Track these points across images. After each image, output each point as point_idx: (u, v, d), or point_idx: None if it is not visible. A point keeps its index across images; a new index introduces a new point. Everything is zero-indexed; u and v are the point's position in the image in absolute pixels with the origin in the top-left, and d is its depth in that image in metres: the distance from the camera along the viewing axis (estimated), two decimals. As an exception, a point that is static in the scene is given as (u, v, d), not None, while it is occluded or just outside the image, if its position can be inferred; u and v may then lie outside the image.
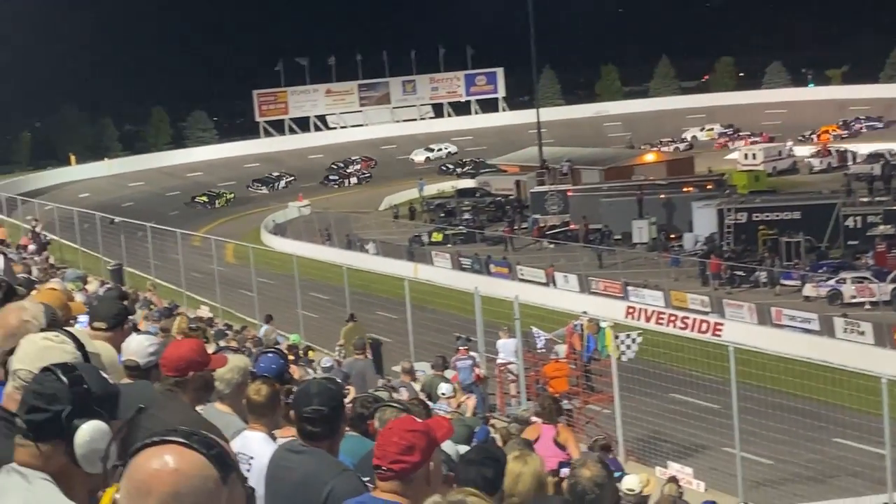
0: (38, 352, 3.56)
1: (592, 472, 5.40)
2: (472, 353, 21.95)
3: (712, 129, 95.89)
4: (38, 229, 34.37)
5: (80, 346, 3.63)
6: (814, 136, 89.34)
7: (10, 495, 2.97)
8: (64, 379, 3.03)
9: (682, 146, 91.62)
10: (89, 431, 2.98)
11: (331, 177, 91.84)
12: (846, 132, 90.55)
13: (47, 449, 3.01)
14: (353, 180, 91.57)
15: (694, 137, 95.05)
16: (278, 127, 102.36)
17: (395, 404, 6.88)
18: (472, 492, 2.79)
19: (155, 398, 4.53)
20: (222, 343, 12.18)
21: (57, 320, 4.28)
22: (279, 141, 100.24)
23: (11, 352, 3.66)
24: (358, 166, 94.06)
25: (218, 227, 71.73)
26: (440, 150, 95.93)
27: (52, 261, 28.05)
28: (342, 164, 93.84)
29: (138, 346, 5.84)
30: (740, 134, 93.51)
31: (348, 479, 4.86)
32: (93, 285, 18.17)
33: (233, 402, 6.21)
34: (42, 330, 3.77)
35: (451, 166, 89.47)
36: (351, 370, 17.19)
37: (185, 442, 2.44)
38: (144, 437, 2.49)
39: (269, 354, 7.77)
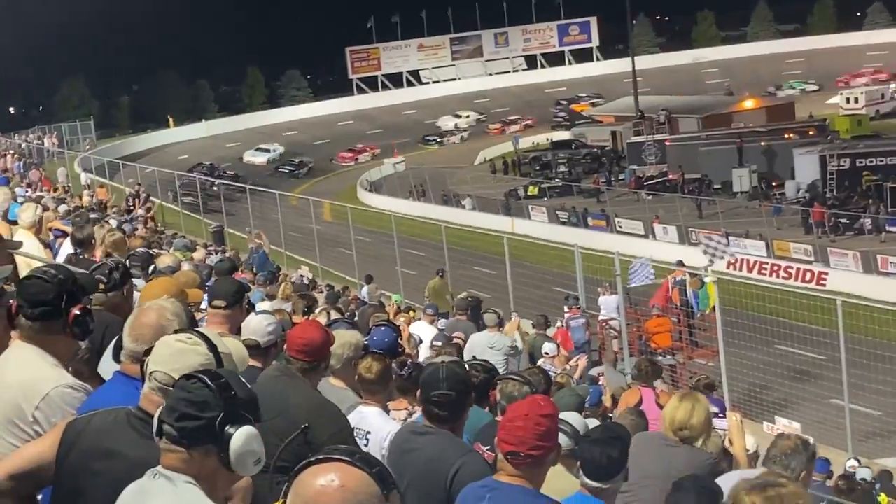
0: (173, 354, 3.65)
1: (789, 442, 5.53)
2: (584, 312, 21.94)
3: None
4: (141, 192, 34.96)
5: (212, 346, 3.71)
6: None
7: (158, 498, 3.10)
8: (212, 386, 3.16)
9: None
10: (243, 437, 3.12)
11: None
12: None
13: (198, 454, 3.15)
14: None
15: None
16: (371, 84, 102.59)
17: (516, 377, 6.90)
18: (785, 477, 2.88)
19: (278, 386, 4.62)
20: (334, 314, 12.28)
21: (192, 319, 4.37)
22: (372, 98, 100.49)
23: (148, 352, 3.76)
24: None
25: (314, 185, 72.43)
26: (274, 150, 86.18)
27: (157, 226, 28.54)
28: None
29: (258, 326, 5.98)
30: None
31: (475, 461, 4.91)
32: (199, 253, 18.45)
33: (345, 376, 6.31)
34: (175, 331, 3.86)
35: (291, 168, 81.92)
36: (453, 332, 17.20)
37: (348, 460, 2.56)
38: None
39: (382, 328, 7.84)
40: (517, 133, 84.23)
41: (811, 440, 6.16)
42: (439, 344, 12.14)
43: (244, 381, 3.27)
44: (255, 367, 5.56)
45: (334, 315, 12.63)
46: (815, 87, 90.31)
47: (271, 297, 14.55)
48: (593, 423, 6.46)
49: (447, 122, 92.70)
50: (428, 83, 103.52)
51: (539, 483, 4.28)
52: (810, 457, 5.75)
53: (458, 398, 5.23)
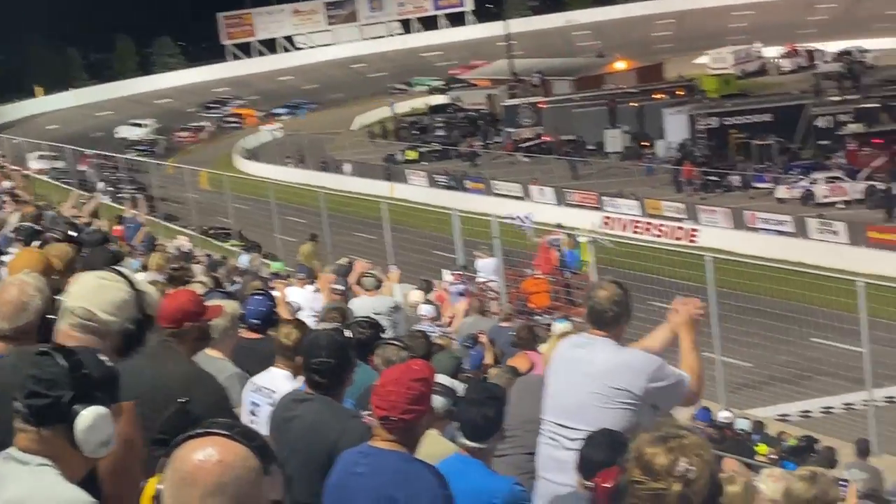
0: (95, 289, 3.62)
1: (609, 291, 5.51)
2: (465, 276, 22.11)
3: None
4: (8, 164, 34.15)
5: (131, 284, 3.70)
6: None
7: (10, 484, 2.96)
8: (63, 363, 3.02)
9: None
10: (90, 417, 2.99)
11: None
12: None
13: (48, 434, 3.01)
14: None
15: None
16: (245, 50, 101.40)
17: (395, 342, 7.02)
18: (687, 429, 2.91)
19: (153, 358, 4.63)
20: (204, 280, 12.21)
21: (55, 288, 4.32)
22: (247, 64, 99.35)
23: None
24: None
25: (190, 155, 71.46)
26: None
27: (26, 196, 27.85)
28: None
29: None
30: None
31: (355, 427, 4.99)
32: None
33: (223, 346, 6.37)
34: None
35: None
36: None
37: (227, 434, 2.50)
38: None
39: (258, 297, 7.83)
40: (392, 99, 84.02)
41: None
42: (320, 310, 12.16)
43: (104, 359, 3.14)
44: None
45: (224, 287, 12.59)
46: (441, 83, 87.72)
47: (146, 269, 14.41)
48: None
49: (130, 132, 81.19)
50: (303, 49, 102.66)
51: (414, 447, 4.35)
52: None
53: (337, 365, 5.29)
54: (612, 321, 5.49)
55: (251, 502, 2.47)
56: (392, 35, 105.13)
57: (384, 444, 4.34)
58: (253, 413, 6.33)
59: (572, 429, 5.31)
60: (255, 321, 7.51)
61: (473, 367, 10.95)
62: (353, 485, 4.35)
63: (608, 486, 2.62)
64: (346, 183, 54.25)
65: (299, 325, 6.61)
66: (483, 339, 12.39)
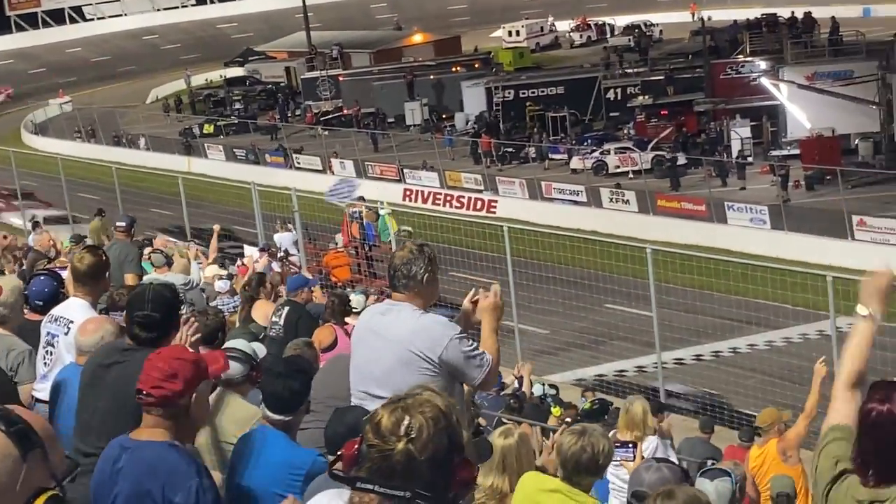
0: None
1: (405, 251, 5.51)
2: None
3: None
4: None
5: None
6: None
7: None
8: None
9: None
10: None
11: None
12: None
13: None
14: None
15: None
16: (31, 21, 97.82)
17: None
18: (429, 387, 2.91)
19: None
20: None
21: None
22: (34, 35, 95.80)
23: None
24: None
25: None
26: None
27: None
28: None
29: None
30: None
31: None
32: None
33: (12, 325, 6.34)
34: None
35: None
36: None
37: None
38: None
39: (41, 277, 7.52)
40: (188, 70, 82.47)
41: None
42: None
43: None
44: None
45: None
46: None
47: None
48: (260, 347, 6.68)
49: None
50: (93, 20, 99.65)
51: (178, 433, 4.29)
52: None
53: (162, 319, 5.29)
54: (409, 281, 5.48)
55: (6, 491, 2.34)
56: (185, 6, 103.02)
57: (145, 434, 4.28)
58: (49, 344, 6.28)
59: (380, 397, 5.29)
60: (38, 302, 7.14)
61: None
62: (112, 482, 4.29)
63: (350, 453, 2.75)
64: (142, 158, 53.30)
65: (92, 249, 6.53)
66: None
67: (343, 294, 13.54)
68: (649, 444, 9.22)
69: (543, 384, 18.11)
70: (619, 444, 5.48)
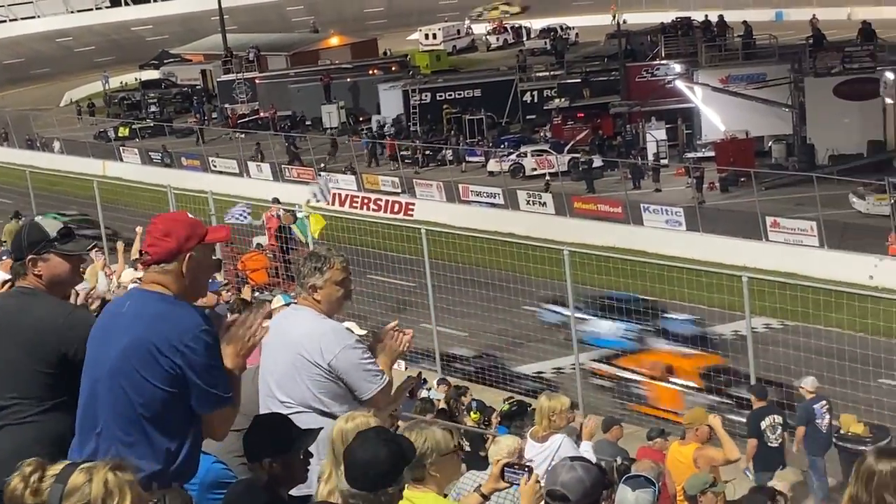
0: None
1: (300, 253, 5.43)
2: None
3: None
4: None
5: None
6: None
7: None
8: None
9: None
10: None
11: None
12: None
13: None
14: None
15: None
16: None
17: None
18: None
19: None
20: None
21: None
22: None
23: None
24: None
25: None
26: None
27: None
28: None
29: None
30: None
31: (82, 312, 4.96)
32: None
33: None
34: None
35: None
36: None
37: None
38: None
39: None
40: (105, 73, 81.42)
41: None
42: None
43: None
44: None
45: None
46: None
47: None
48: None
49: None
50: (5, 21, 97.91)
51: (178, 289, 4.35)
52: None
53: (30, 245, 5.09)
54: (307, 281, 5.51)
55: None
56: (99, 8, 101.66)
57: (148, 286, 4.37)
58: None
59: (283, 402, 5.39)
60: None
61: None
62: (114, 324, 4.33)
63: None
64: (56, 161, 52.59)
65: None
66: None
67: (243, 299, 13.52)
68: (555, 442, 9.28)
69: (429, 389, 18.09)
70: (508, 465, 5.41)
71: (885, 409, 17.45)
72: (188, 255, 4.34)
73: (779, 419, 15.25)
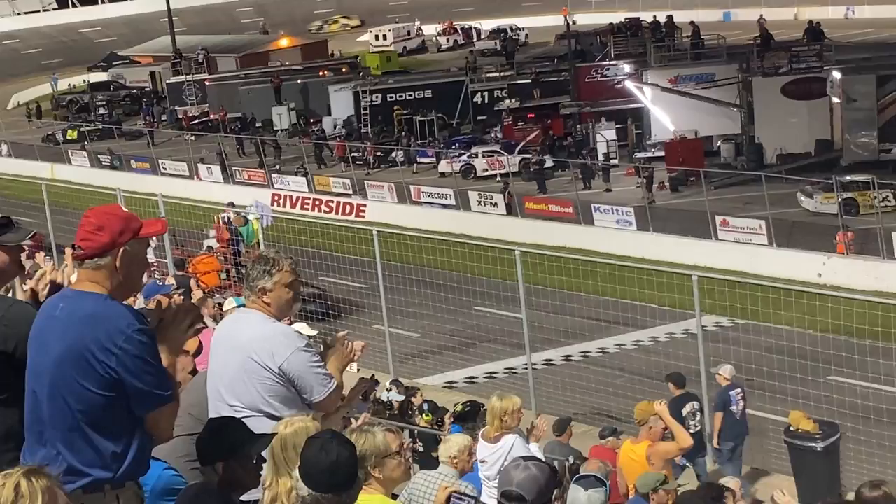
0: None
1: (255, 255, 5.46)
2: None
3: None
4: None
5: None
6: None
7: None
8: None
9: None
10: None
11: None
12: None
13: None
14: None
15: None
16: None
17: None
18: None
19: None
20: None
21: None
22: None
23: None
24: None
25: None
26: None
27: None
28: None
29: None
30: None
31: (20, 307, 4.87)
32: None
33: None
34: None
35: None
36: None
37: None
38: None
39: None
40: (54, 74, 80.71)
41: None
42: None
43: None
44: None
45: None
46: None
47: None
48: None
49: None
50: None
51: (108, 284, 4.26)
52: None
53: None
54: (256, 284, 5.48)
55: None
56: (47, 10, 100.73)
57: (82, 286, 4.30)
58: None
59: (232, 405, 5.38)
60: None
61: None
62: (49, 329, 4.25)
63: None
64: (3, 164, 52.11)
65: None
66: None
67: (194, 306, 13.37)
68: (507, 442, 9.32)
69: (389, 390, 18.09)
70: (455, 494, 5.41)
71: (835, 405, 17.67)
72: (122, 249, 4.26)
73: (697, 405, 15.85)
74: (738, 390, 16.31)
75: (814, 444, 15.25)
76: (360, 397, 12.99)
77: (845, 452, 15.88)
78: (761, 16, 62.85)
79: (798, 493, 14.65)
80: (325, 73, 63.99)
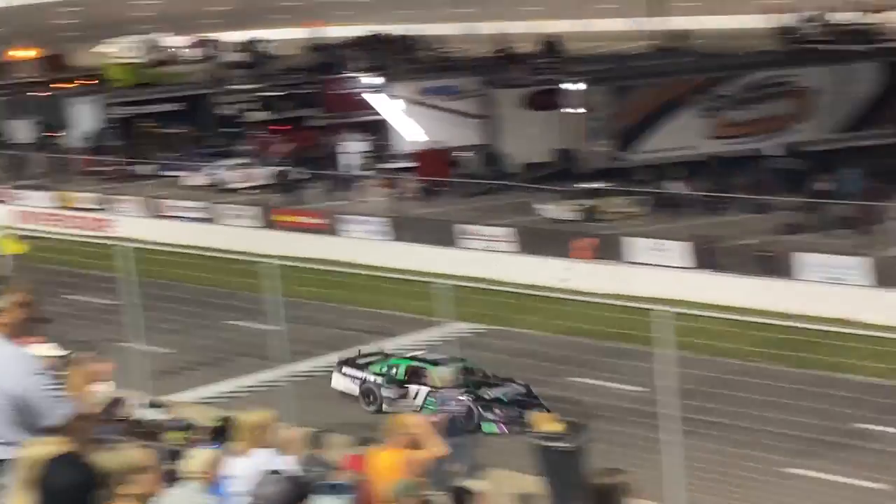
0: None
1: None
2: None
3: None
4: None
5: None
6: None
7: None
8: None
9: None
10: None
11: None
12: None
13: None
14: None
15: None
16: None
17: None
18: None
19: None
20: None
21: None
22: None
23: None
24: None
25: None
26: None
27: None
28: None
29: None
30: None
31: None
32: None
33: None
34: None
35: None
36: None
37: None
38: None
39: None
40: None
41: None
42: None
43: None
44: None
45: None
46: None
47: None
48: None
49: None
50: None
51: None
52: None
53: None
54: None
55: None
56: None
57: None
58: None
59: None
60: None
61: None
62: None
63: None
64: None
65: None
66: None
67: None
68: (256, 457, 9.38)
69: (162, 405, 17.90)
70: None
71: (581, 405, 18.39)
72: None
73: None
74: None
75: (562, 444, 15.75)
76: (105, 417, 12.79)
77: (593, 451, 16.49)
78: (502, 30, 64.50)
79: (549, 492, 15.17)
80: (69, 85, 62.14)
